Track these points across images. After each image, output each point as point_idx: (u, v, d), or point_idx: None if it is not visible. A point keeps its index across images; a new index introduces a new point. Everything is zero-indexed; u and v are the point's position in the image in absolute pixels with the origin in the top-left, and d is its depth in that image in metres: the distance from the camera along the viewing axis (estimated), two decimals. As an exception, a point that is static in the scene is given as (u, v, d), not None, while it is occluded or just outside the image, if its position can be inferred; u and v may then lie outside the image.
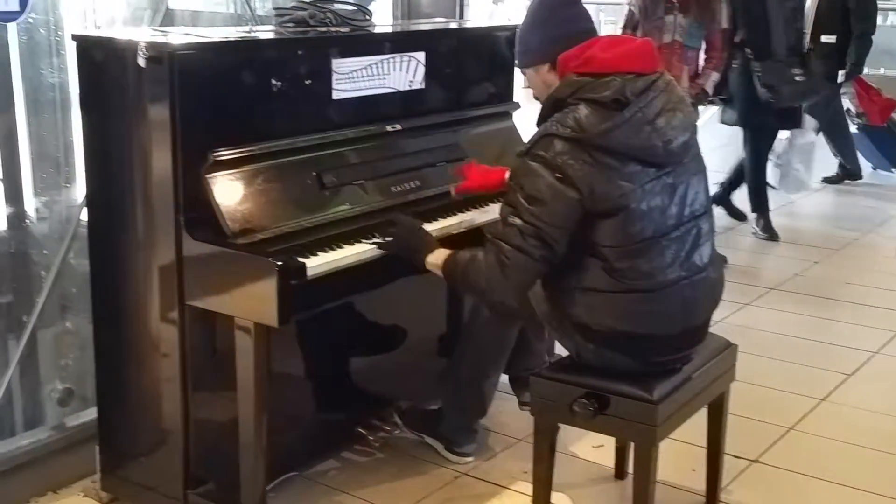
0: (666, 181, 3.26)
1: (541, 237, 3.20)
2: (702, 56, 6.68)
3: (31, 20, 3.98)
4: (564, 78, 3.34)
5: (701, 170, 3.42)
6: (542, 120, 3.33)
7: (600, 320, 3.31)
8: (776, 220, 7.91)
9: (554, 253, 3.23)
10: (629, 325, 3.30)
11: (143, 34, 3.64)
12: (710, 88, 6.69)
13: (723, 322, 5.65)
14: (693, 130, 3.39)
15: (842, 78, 8.80)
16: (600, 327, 3.31)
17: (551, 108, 3.31)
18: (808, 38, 8.33)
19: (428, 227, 3.73)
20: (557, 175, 3.16)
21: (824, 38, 8.66)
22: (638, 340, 3.33)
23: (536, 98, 3.52)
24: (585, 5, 3.60)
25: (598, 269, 3.26)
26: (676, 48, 6.48)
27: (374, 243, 3.59)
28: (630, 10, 6.59)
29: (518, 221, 3.22)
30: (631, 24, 6.57)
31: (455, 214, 3.97)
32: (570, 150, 3.17)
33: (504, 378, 4.36)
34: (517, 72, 4.56)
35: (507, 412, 4.53)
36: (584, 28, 3.49)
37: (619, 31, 6.68)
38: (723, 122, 7.70)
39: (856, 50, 8.58)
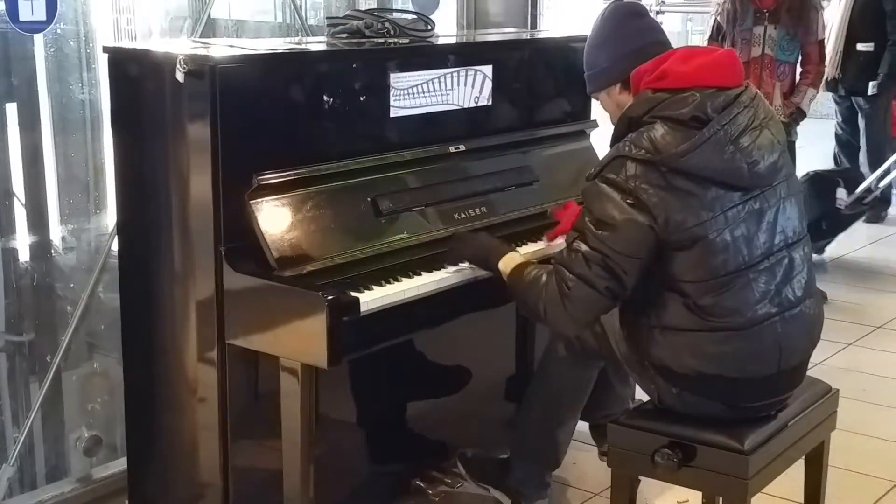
0: (752, 207, 3.21)
1: (608, 266, 3.15)
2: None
3: (59, 31, 4.03)
4: (639, 94, 3.32)
5: (794, 192, 3.37)
6: (615, 140, 3.30)
7: (683, 362, 3.26)
8: (880, 251, 7.80)
9: (622, 285, 3.19)
10: (715, 368, 3.24)
11: (182, 46, 3.67)
12: (806, 107, 6.65)
13: (823, 364, 5.61)
14: (782, 150, 3.34)
15: (873, 90, 8.57)
16: (684, 370, 3.27)
17: (625, 127, 3.28)
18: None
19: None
20: (629, 200, 3.13)
21: (860, 47, 8.50)
22: (726, 384, 3.27)
23: (615, 123, 3.47)
24: (673, 14, 3.55)
25: (678, 305, 3.22)
26: (767, 62, 6.49)
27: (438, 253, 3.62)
28: (716, 20, 6.59)
29: (584, 247, 3.19)
30: (717, 36, 6.56)
31: (525, 244, 3.93)
32: (643, 173, 3.13)
33: (581, 426, 4.30)
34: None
35: (583, 463, 4.50)
36: (654, 40, 3.47)
37: (705, 44, 6.63)
38: None
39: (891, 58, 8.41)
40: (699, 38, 6.65)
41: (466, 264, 3.63)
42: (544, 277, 3.29)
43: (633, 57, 3.37)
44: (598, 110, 4.73)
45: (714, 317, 3.18)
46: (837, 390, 3.70)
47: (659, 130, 3.15)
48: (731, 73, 3.30)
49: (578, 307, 3.22)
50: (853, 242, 8.24)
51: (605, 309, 3.27)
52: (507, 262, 3.50)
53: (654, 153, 3.12)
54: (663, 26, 3.77)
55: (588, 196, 3.23)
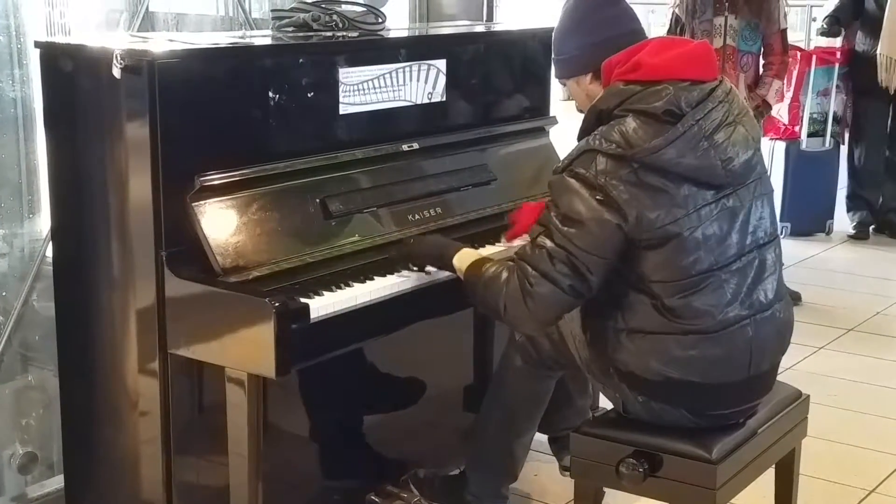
0: (725, 205, 3.23)
1: (572, 264, 3.15)
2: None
3: (-12, 25, 3.96)
4: (609, 87, 3.32)
5: (766, 192, 3.39)
6: (584, 134, 3.29)
7: (650, 367, 3.26)
8: (851, 251, 7.83)
9: (586, 284, 3.18)
10: (684, 373, 3.25)
11: (118, 41, 3.63)
12: (772, 100, 6.67)
13: (793, 369, 5.64)
14: (757, 147, 3.36)
15: None
16: (650, 375, 3.27)
17: (595, 120, 3.28)
18: None
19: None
20: (598, 196, 3.13)
21: None
22: (694, 391, 3.28)
23: (580, 110, 3.49)
24: (634, 6, 3.54)
25: (647, 307, 3.22)
26: (729, 53, 6.51)
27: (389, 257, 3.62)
28: (674, 12, 6.60)
29: (548, 244, 3.18)
30: (676, 29, 6.58)
31: (483, 246, 3.93)
32: (614, 168, 3.13)
33: (541, 437, 4.30)
34: (554, 82, 4.52)
35: (545, 475, 4.50)
36: (629, 29, 3.47)
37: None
38: None
39: None
40: (662, 32, 6.65)
41: (416, 268, 3.64)
42: (504, 274, 3.28)
43: (604, 46, 3.37)
44: (557, 106, 4.76)
45: (683, 319, 3.19)
46: (808, 396, 3.72)
47: (631, 124, 3.15)
48: (706, 67, 3.31)
49: (540, 305, 3.21)
50: (824, 243, 8.29)
51: (569, 307, 3.27)
52: (463, 259, 3.48)
53: (626, 147, 3.12)
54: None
55: (555, 190, 3.23)
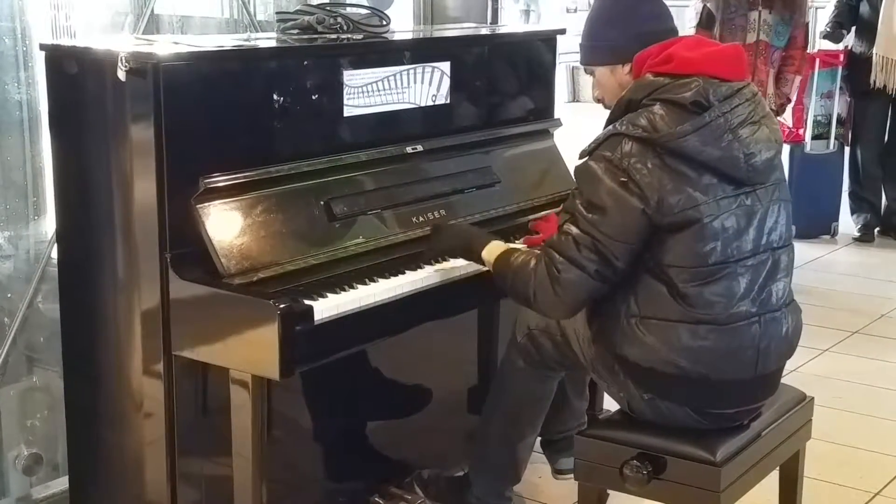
0: (744, 202, 3.27)
1: (598, 250, 3.20)
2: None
3: (-7, 28, 3.96)
4: (640, 78, 3.37)
5: (784, 198, 3.42)
6: (610, 123, 3.33)
7: (659, 356, 3.27)
8: (855, 253, 7.86)
9: (613, 269, 3.22)
10: (692, 363, 3.26)
11: (123, 43, 3.63)
12: (793, 96, 6.66)
13: (798, 371, 5.63)
14: (779, 149, 3.40)
15: None
16: (658, 365, 3.28)
17: (623, 110, 3.32)
18: None
19: (457, 262, 3.71)
20: (622, 179, 3.17)
21: None
22: (700, 385, 3.29)
23: (599, 100, 3.58)
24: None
25: (660, 293, 3.25)
26: (762, 48, 6.49)
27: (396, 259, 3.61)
28: (705, 6, 6.52)
29: (574, 230, 3.23)
30: (706, 23, 6.50)
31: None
32: (639, 151, 3.18)
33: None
34: (558, 85, 4.52)
35: (547, 477, 4.48)
36: (668, 27, 3.55)
37: (693, 32, 6.58)
38: None
39: None
40: (692, 30, 6.57)
41: (432, 269, 3.65)
42: (532, 262, 3.32)
43: (645, 39, 3.42)
44: (561, 108, 4.75)
45: (696, 307, 3.21)
46: (813, 398, 3.72)
47: (658, 111, 3.20)
48: (737, 67, 3.37)
49: (568, 290, 3.25)
50: (829, 245, 8.28)
51: (596, 292, 3.29)
52: (491, 251, 3.52)
53: (652, 132, 3.17)
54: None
55: (580, 176, 3.28)
